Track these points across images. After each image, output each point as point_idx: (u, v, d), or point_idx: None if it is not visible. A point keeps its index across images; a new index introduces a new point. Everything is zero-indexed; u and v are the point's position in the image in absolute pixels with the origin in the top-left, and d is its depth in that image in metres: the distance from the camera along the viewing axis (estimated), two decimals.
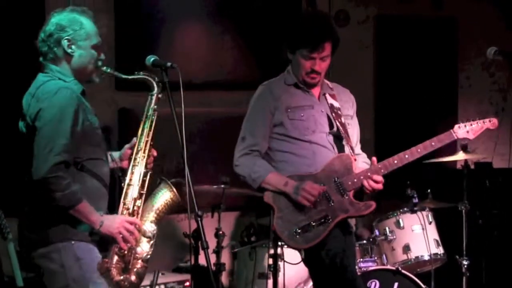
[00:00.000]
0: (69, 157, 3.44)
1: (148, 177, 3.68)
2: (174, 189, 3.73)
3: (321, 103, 4.38)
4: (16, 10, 5.73)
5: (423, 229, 5.47)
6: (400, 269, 5.26)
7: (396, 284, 5.23)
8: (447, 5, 7.22)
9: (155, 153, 3.76)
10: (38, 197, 3.46)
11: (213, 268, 5.38)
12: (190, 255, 3.67)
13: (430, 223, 5.55)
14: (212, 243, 4.95)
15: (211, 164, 6.32)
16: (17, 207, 3.63)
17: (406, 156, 4.26)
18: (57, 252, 3.49)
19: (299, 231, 4.17)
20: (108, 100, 6.12)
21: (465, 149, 5.38)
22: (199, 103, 6.29)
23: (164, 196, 3.74)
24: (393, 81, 7.13)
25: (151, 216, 3.70)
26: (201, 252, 3.54)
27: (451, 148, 5.39)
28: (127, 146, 3.83)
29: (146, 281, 5.01)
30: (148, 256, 3.65)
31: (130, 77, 3.75)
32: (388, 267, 5.33)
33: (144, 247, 3.64)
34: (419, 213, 5.50)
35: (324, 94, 4.40)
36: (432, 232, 5.54)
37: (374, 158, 4.30)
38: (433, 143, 4.30)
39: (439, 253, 5.52)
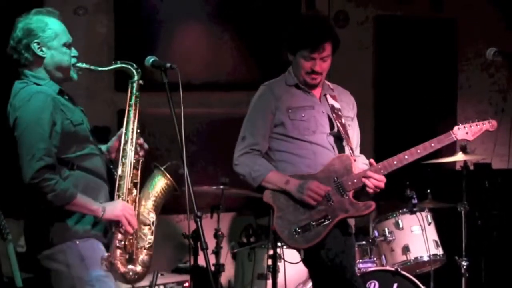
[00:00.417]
0: (52, 160, 3.44)
1: (140, 165, 3.67)
2: (168, 175, 3.73)
3: (322, 104, 4.37)
4: (16, 10, 5.71)
5: (422, 229, 5.47)
6: (399, 270, 5.25)
7: (395, 285, 5.22)
8: (446, 6, 7.21)
9: (146, 146, 3.75)
10: (34, 199, 3.47)
11: (212, 268, 5.38)
12: (189, 255, 3.68)
13: (429, 223, 5.55)
14: (211, 243, 4.95)
15: (210, 165, 6.33)
16: (17, 208, 3.64)
17: (406, 156, 4.26)
18: (62, 253, 3.50)
19: (299, 230, 4.16)
20: (107, 101, 6.11)
21: (464, 150, 5.38)
22: (199, 104, 6.29)
23: (159, 183, 3.73)
24: (393, 81, 7.12)
25: (150, 203, 3.70)
26: (201, 253, 3.54)
27: (451, 149, 5.39)
28: (114, 138, 3.81)
29: (146, 282, 5.00)
30: (151, 244, 3.65)
31: (107, 68, 3.74)
32: (388, 268, 5.33)
33: (146, 235, 3.65)
34: (418, 213, 5.50)
35: (325, 95, 4.40)
36: (432, 233, 5.53)
37: (372, 160, 4.30)
38: (432, 144, 4.30)
39: (438, 253, 5.51)
